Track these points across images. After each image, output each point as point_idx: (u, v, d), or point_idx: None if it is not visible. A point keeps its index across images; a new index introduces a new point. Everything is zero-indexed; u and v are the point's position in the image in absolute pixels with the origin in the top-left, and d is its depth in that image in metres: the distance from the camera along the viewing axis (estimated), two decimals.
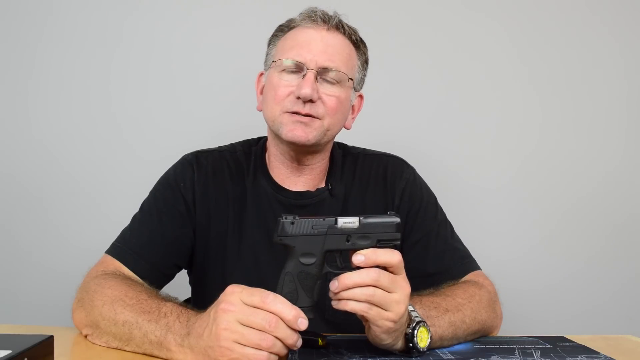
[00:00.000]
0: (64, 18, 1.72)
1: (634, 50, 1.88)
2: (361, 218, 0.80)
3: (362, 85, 1.17)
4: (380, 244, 0.79)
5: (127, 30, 1.74)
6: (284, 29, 1.13)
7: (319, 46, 1.06)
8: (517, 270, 1.81)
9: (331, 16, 1.09)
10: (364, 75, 1.16)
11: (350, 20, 1.12)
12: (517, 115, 1.85)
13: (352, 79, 1.11)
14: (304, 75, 1.04)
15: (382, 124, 1.76)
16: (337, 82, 1.07)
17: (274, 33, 1.15)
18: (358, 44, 1.13)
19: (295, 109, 1.04)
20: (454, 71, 1.83)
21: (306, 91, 1.02)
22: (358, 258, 0.78)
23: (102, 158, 1.73)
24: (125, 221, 1.11)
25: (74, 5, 1.72)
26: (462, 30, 1.83)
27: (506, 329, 1.08)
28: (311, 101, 1.04)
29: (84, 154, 1.72)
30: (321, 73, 1.05)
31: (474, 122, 1.83)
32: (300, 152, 1.10)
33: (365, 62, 1.15)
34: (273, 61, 1.10)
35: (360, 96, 1.19)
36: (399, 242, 0.80)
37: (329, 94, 1.06)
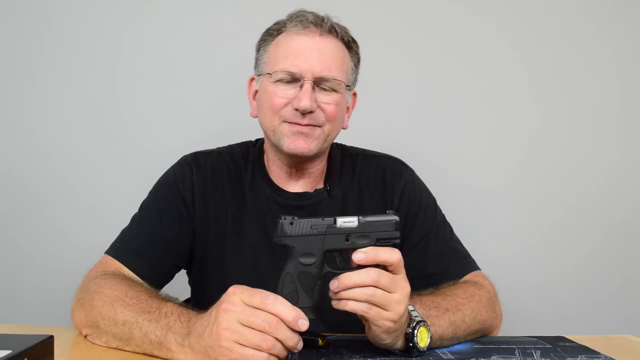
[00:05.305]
0: (68, 17, 1.72)
1: (631, 48, 1.88)
2: (360, 217, 0.80)
3: (355, 84, 1.16)
4: (379, 243, 0.79)
5: (131, 32, 1.73)
6: (272, 34, 1.10)
7: (313, 54, 1.03)
8: (517, 270, 1.81)
9: (323, 19, 1.06)
10: (357, 74, 1.15)
11: (341, 19, 1.09)
12: (515, 115, 1.84)
13: (348, 86, 1.10)
14: (301, 86, 1.03)
15: (380, 124, 1.76)
16: (334, 90, 1.06)
17: (262, 37, 1.12)
18: (350, 45, 1.11)
19: (294, 120, 1.03)
20: (452, 71, 1.83)
21: (305, 103, 1.01)
22: (358, 256, 0.78)
23: (102, 159, 1.72)
24: (125, 221, 1.11)
25: (78, 4, 1.72)
26: (459, 29, 1.83)
27: (506, 329, 1.08)
28: (310, 112, 1.03)
29: (83, 154, 1.72)
30: (318, 82, 1.04)
31: (473, 123, 1.83)
32: (299, 161, 1.10)
33: (357, 61, 1.14)
34: (268, 73, 1.07)
35: (354, 94, 1.18)
36: (398, 241, 0.80)
37: (327, 101, 1.05)
